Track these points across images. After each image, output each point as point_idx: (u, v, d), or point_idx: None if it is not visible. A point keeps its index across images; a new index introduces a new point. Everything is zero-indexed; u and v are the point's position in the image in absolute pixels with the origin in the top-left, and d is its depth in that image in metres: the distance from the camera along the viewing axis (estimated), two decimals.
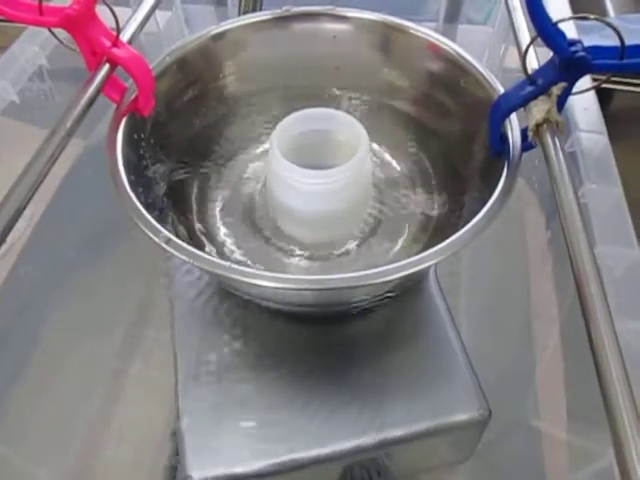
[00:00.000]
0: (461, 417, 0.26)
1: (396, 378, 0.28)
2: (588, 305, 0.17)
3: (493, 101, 0.26)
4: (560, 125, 0.22)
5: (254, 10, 0.33)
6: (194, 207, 0.31)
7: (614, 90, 0.48)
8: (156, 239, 0.22)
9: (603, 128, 0.26)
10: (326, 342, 0.29)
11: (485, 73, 0.29)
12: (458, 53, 0.30)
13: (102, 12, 0.26)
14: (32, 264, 0.35)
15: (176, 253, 0.22)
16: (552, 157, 0.21)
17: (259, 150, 0.35)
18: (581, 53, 0.21)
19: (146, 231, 0.22)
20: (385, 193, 0.33)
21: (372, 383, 0.28)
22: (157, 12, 0.51)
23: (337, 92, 0.35)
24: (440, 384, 0.27)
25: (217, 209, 0.32)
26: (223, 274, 0.21)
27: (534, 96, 0.23)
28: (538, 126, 0.22)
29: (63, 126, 0.23)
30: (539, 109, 0.22)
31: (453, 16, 0.45)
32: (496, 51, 0.45)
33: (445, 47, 0.31)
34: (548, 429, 0.28)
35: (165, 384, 0.32)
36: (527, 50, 0.23)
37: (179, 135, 0.32)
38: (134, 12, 0.28)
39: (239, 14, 0.33)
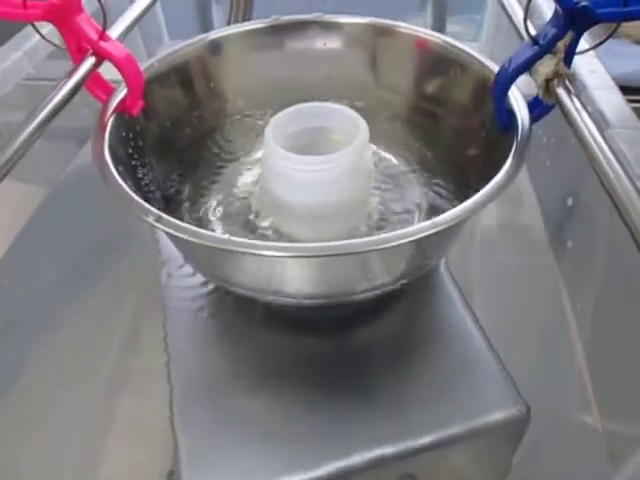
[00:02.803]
0: (497, 416, 0.23)
1: (418, 381, 0.25)
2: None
3: (491, 82, 0.25)
4: (570, 78, 0.21)
5: (243, 21, 0.33)
6: (187, 213, 0.30)
7: None
8: (145, 218, 0.20)
9: (613, 85, 0.25)
10: (335, 351, 0.27)
11: (480, 57, 0.28)
12: (448, 43, 0.30)
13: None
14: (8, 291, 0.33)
15: (169, 230, 0.20)
16: (569, 107, 0.20)
17: (251, 159, 0.33)
18: (584, 3, 0.20)
19: (135, 211, 0.20)
20: (387, 190, 0.31)
21: (391, 390, 0.25)
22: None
23: (330, 98, 0.34)
24: (468, 382, 0.24)
25: (210, 213, 0.30)
26: (223, 247, 0.19)
27: (539, 56, 0.22)
28: (548, 82, 0.21)
29: (40, 114, 0.21)
30: (546, 65, 0.21)
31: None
32: None
33: (435, 39, 0.30)
34: (597, 422, 0.24)
35: (157, 420, 0.28)
36: (527, 9, 0.22)
37: (169, 141, 0.30)
38: (124, 12, 0.27)
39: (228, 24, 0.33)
